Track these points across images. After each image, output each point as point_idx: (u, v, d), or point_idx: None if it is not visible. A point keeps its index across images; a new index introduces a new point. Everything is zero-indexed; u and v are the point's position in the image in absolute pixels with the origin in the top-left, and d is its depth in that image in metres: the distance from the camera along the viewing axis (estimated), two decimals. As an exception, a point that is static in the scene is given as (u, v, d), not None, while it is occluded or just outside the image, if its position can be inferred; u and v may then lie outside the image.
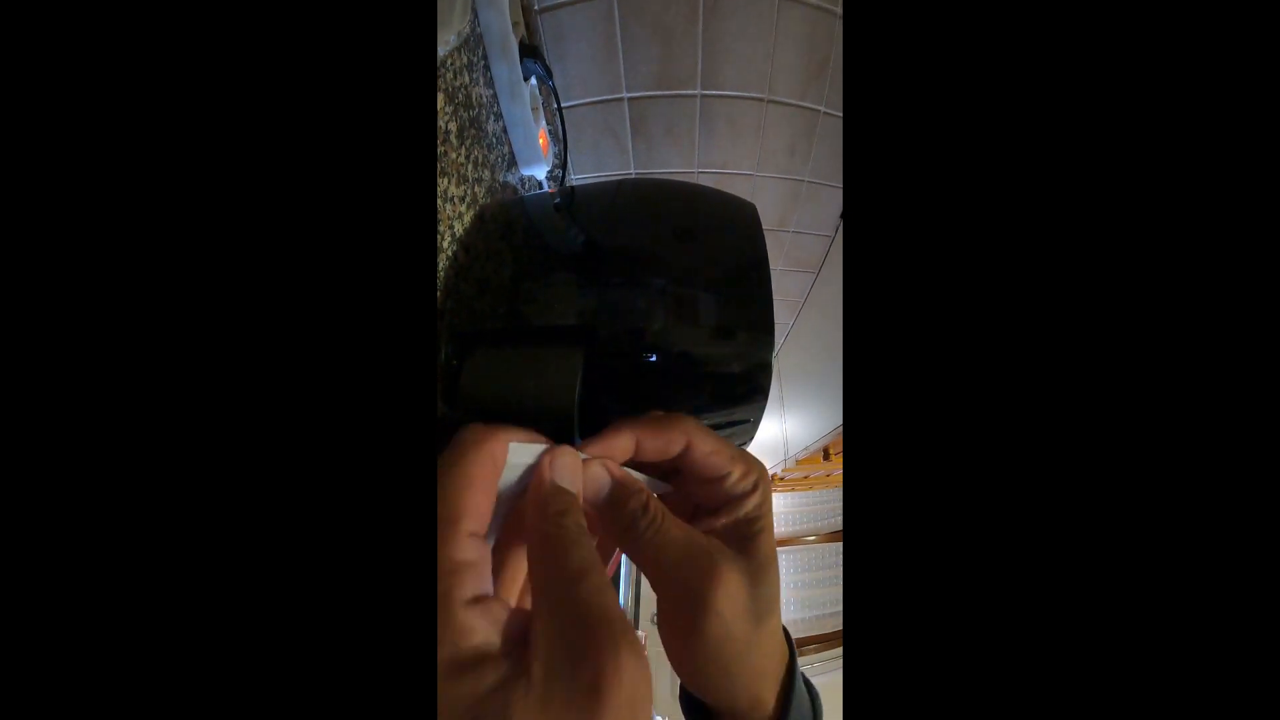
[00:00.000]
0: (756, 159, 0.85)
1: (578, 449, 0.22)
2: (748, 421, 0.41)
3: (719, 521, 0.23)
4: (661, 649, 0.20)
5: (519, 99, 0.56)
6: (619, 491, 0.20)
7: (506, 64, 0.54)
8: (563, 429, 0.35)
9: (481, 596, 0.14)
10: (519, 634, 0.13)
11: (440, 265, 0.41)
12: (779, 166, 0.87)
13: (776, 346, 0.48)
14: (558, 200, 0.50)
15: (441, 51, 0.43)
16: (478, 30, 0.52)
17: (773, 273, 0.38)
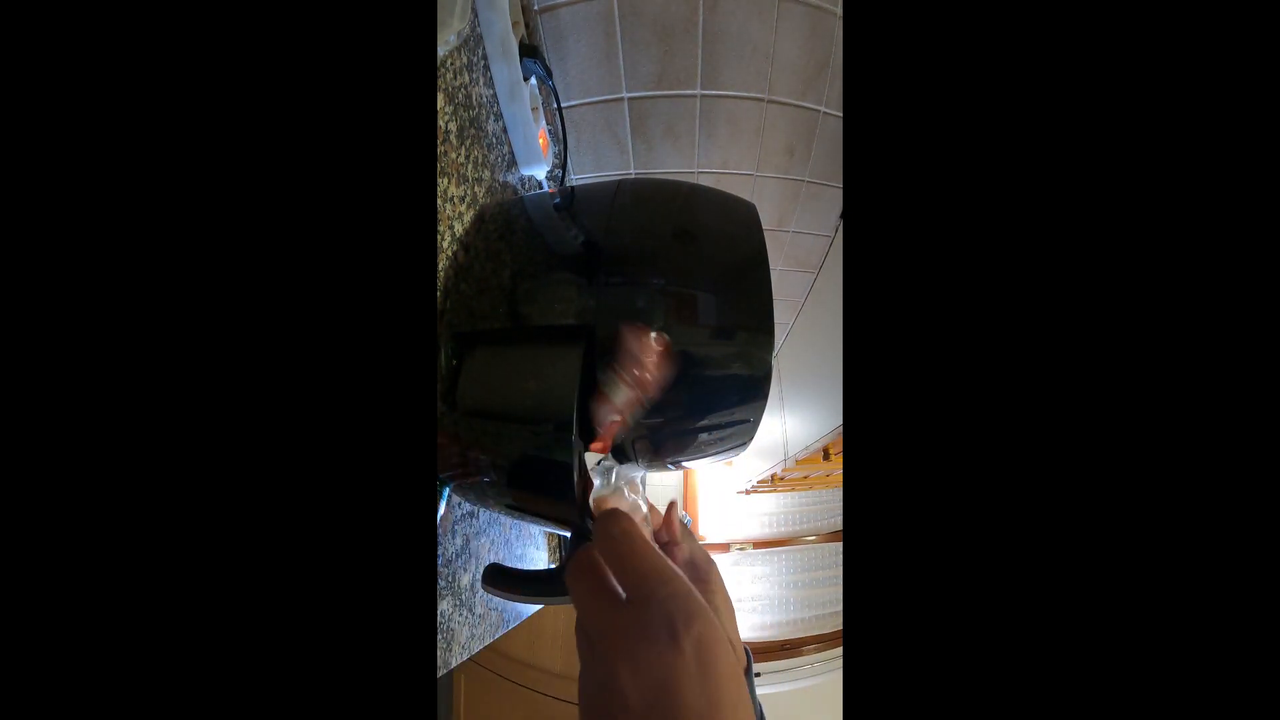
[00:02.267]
0: (756, 159, 0.85)
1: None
2: (748, 421, 0.40)
3: None
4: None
5: (519, 99, 0.56)
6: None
7: (506, 64, 0.54)
8: (561, 429, 0.35)
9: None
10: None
11: (440, 265, 0.41)
12: (779, 166, 0.87)
13: (776, 346, 0.48)
14: (558, 200, 0.50)
15: (441, 51, 0.43)
16: (478, 30, 0.52)
17: (773, 273, 0.37)
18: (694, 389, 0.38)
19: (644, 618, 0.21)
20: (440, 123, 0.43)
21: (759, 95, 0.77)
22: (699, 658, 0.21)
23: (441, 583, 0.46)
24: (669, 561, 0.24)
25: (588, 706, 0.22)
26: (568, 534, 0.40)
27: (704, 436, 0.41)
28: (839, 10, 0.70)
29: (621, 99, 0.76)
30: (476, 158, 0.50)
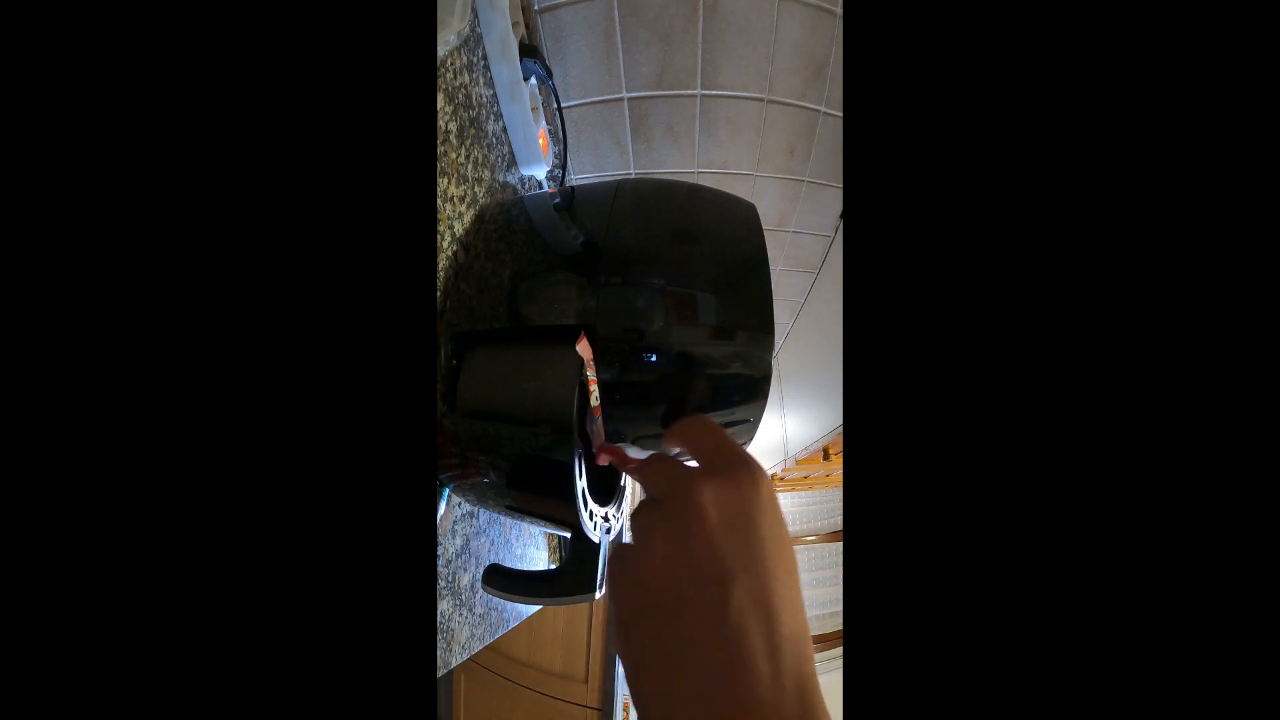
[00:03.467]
0: (756, 159, 0.85)
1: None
2: (748, 421, 0.41)
3: None
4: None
5: (519, 99, 0.56)
6: None
7: (506, 64, 0.54)
8: (561, 429, 0.35)
9: None
10: None
11: (440, 265, 0.41)
12: (779, 166, 0.87)
13: (776, 346, 0.48)
14: (558, 200, 0.50)
15: (441, 51, 0.43)
16: (478, 30, 0.52)
17: (773, 273, 0.37)
18: (693, 389, 0.38)
19: (723, 462, 0.25)
20: (440, 123, 0.43)
21: (759, 95, 0.77)
22: (770, 494, 0.25)
23: (441, 583, 0.46)
24: None
25: (662, 533, 0.24)
26: (567, 534, 0.40)
27: (704, 436, 0.41)
28: (839, 10, 0.70)
29: (621, 99, 0.76)
30: (476, 158, 0.50)
